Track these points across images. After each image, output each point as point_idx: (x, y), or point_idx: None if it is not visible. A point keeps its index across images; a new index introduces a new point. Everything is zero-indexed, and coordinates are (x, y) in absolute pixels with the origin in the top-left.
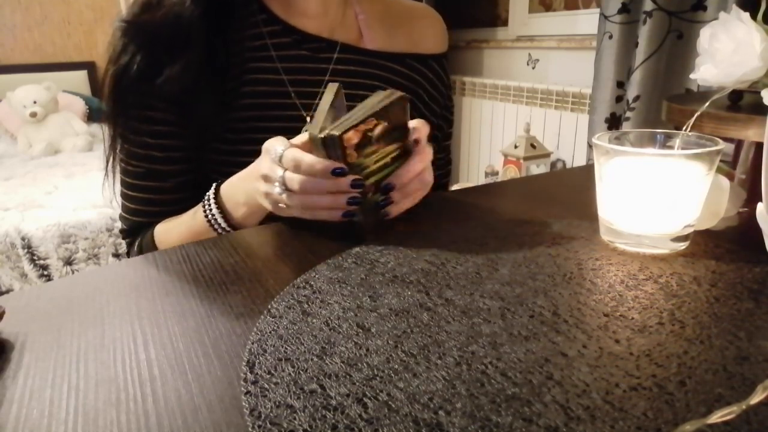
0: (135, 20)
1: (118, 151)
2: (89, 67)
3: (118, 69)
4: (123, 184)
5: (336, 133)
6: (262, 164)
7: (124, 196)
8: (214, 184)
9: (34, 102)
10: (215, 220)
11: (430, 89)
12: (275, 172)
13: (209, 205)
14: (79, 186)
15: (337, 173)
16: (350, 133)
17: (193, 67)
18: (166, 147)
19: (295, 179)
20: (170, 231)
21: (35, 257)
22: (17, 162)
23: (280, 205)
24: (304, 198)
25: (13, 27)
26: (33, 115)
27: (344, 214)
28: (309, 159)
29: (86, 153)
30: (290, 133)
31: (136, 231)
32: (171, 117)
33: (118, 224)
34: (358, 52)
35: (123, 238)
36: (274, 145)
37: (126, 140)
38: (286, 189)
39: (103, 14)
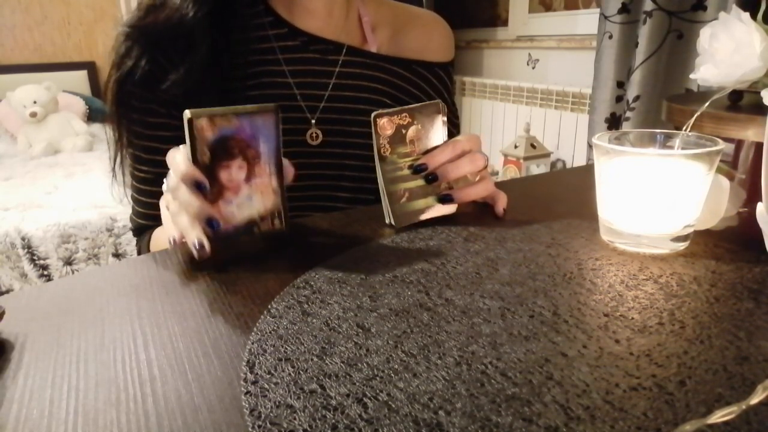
0: (138, 24)
1: (125, 154)
2: (89, 67)
3: (122, 74)
4: (133, 188)
5: (188, 114)
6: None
7: (133, 198)
8: None
9: (34, 102)
10: None
11: (435, 97)
12: (168, 179)
13: None
14: (79, 186)
15: (197, 187)
16: (384, 121)
17: (197, 70)
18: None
19: (171, 180)
20: (160, 237)
21: (35, 257)
22: (17, 162)
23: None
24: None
25: (13, 27)
26: (33, 115)
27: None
28: (181, 162)
29: (86, 153)
30: (295, 136)
31: (145, 233)
32: (173, 122)
33: (119, 224)
34: (364, 55)
35: (135, 237)
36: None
37: (131, 144)
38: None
39: (103, 14)
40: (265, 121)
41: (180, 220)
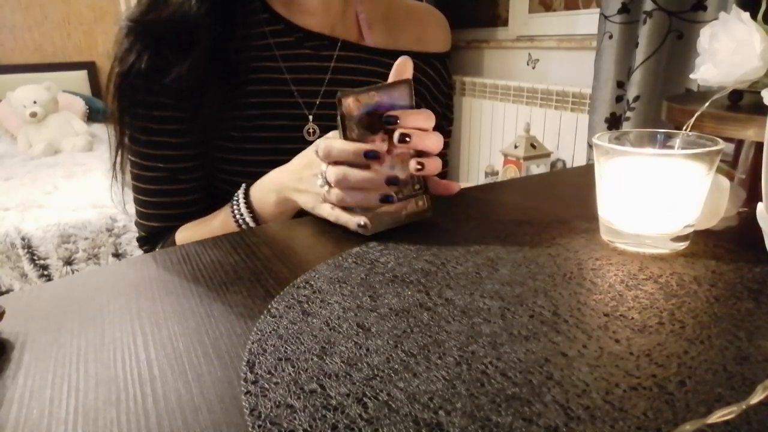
0: (141, 19)
1: (127, 155)
2: (89, 67)
3: (125, 68)
4: (137, 190)
5: (339, 94)
6: (303, 161)
7: (139, 202)
8: (243, 185)
9: (34, 102)
10: (244, 221)
11: (432, 88)
12: (316, 167)
13: (238, 206)
14: (79, 186)
15: (369, 156)
16: (350, 101)
17: (201, 65)
18: (179, 145)
19: (331, 172)
20: (194, 237)
21: (35, 257)
22: (17, 162)
23: (323, 200)
24: (342, 194)
25: (13, 27)
26: (33, 115)
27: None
28: (339, 144)
29: (86, 153)
30: (293, 132)
31: (156, 237)
32: (180, 114)
33: (119, 224)
34: (359, 49)
35: (140, 246)
36: (318, 141)
37: (137, 142)
38: (327, 183)
39: (103, 14)
40: (400, 93)
41: (355, 199)
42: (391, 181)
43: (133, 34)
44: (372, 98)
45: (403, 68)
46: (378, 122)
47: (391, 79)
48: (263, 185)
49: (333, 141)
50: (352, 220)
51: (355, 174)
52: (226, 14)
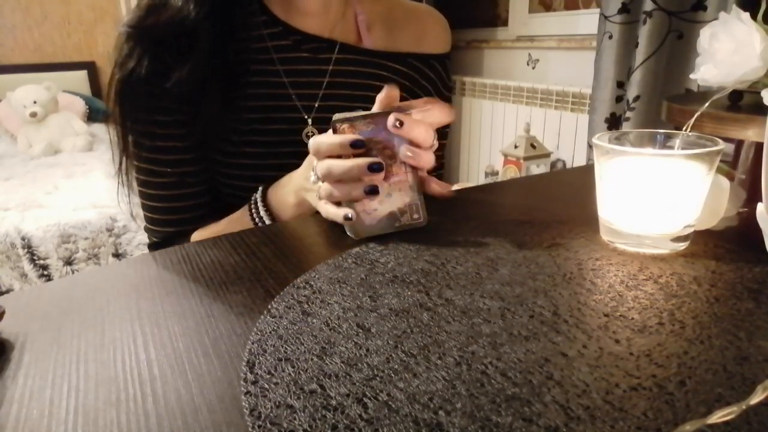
0: (140, 24)
1: (133, 162)
2: (89, 67)
3: (125, 74)
4: (145, 196)
5: (333, 117)
6: (306, 161)
7: (148, 208)
8: (260, 188)
9: (34, 102)
10: (264, 224)
11: (431, 89)
12: (312, 164)
13: (257, 209)
14: (79, 186)
15: (356, 145)
16: (345, 127)
17: (201, 68)
18: (184, 149)
19: (319, 166)
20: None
21: (35, 257)
22: (17, 162)
23: (318, 197)
24: (330, 187)
25: (13, 27)
26: (33, 115)
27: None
28: (327, 138)
29: (86, 153)
30: (291, 135)
31: (168, 242)
32: (183, 117)
33: (119, 224)
34: (357, 51)
35: (154, 249)
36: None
37: (142, 148)
38: (319, 179)
39: (103, 14)
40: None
41: (341, 191)
42: (374, 167)
43: (133, 39)
44: (368, 126)
45: (389, 99)
46: (375, 149)
47: (376, 107)
48: (282, 187)
49: (321, 136)
50: (339, 213)
51: (339, 164)
52: (224, 17)
